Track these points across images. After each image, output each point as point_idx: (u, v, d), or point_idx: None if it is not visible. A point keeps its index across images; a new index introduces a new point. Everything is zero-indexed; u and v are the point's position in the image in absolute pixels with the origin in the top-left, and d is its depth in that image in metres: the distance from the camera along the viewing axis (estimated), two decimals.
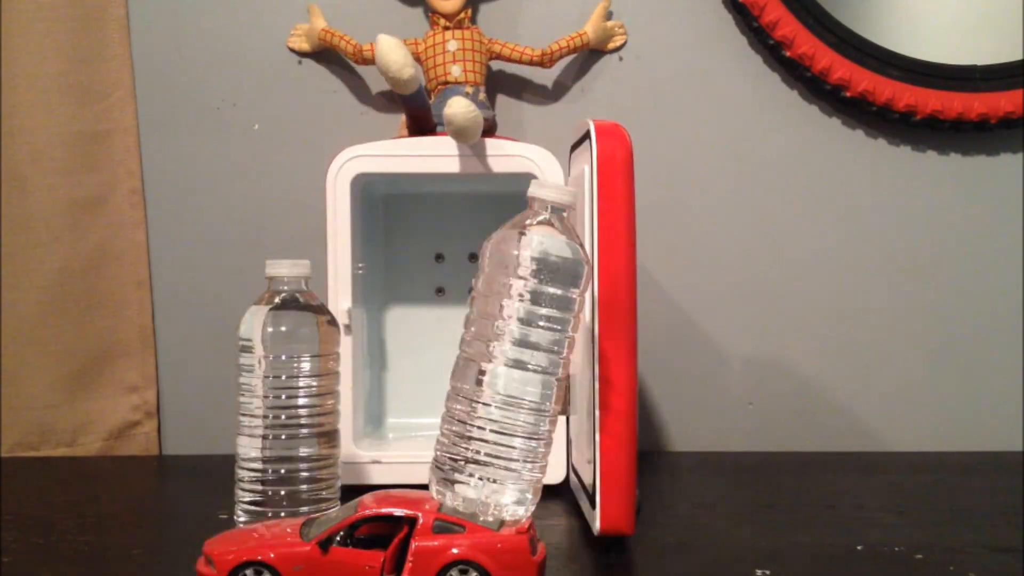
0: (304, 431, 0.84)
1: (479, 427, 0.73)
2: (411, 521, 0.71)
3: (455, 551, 0.69)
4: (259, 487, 0.84)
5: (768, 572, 0.78)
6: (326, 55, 1.24)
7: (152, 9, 1.24)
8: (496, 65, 1.21)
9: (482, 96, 1.15)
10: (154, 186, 1.25)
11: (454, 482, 0.73)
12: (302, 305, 0.86)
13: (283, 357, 0.84)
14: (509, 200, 1.14)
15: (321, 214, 1.01)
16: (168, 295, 1.25)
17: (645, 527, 0.91)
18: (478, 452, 0.73)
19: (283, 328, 0.84)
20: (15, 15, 1.19)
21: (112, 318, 1.24)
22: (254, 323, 0.85)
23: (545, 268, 0.73)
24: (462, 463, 0.73)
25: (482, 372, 0.74)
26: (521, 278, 0.73)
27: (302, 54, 1.23)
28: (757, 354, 1.24)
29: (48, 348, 1.21)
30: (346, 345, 1.01)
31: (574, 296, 0.75)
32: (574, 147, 0.97)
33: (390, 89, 1.24)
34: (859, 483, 1.07)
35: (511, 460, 0.73)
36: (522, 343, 0.73)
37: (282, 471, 0.84)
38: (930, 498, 1.01)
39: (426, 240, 1.16)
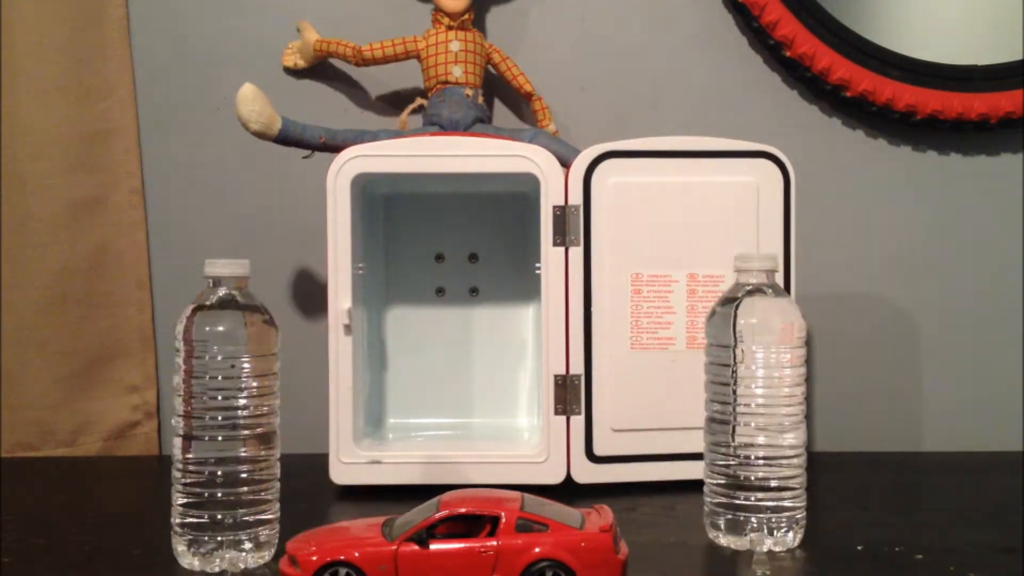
0: (242, 432, 0.81)
1: None
2: (494, 520, 0.70)
3: (538, 550, 0.69)
4: (195, 489, 0.81)
5: (769, 572, 0.78)
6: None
7: (152, 9, 1.24)
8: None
9: (480, 99, 1.15)
10: (154, 186, 1.25)
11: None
12: (237, 305, 0.83)
13: (215, 357, 0.81)
14: (509, 200, 1.14)
15: (321, 214, 1.01)
16: (168, 295, 1.25)
17: (646, 527, 0.91)
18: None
19: (208, 328, 0.82)
20: (15, 15, 1.19)
21: (112, 318, 1.23)
22: (200, 323, 0.83)
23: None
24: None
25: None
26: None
27: (298, 72, 1.23)
28: None
29: (48, 348, 1.21)
30: (346, 345, 1.01)
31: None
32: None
33: (389, 89, 1.24)
34: (859, 483, 1.07)
35: None
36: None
37: (218, 473, 0.80)
38: (930, 498, 1.01)
39: (426, 240, 1.16)
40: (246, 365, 0.82)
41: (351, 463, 1.01)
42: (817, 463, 1.15)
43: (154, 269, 1.25)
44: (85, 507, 1.00)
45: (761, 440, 0.82)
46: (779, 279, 0.87)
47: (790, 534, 0.82)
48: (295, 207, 1.22)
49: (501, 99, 1.24)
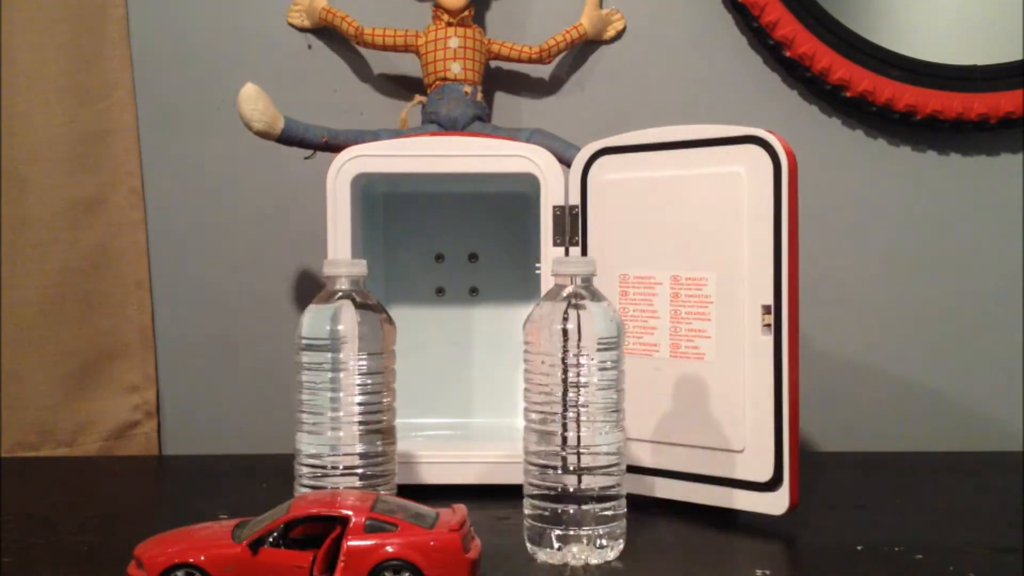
0: (365, 427, 0.86)
1: None
2: (344, 521, 0.71)
3: (388, 549, 0.69)
4: (319, 483, 0.85)
5: (768, 572, 0.78)
6: (326, 53, 1.24)
7: (152, 9, 1.24)
8: (494, 61, 1.21)
9: (479, 96, 1.15)
10: (154, 186, 1.25)
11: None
12: (364, 304, 0.87)
13: (359, 355, 0.86)
14: (509, 200, 1.14)
15: (321, 214, 1.01)
16: (168, 295, 1.25)
17: (646, 527, 0.91)
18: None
19: (355, 326, 0.86)
20: (15, 15, 1.19)
21: (112, 318, 1.23)
22: (319, 321, 0.86)
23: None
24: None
25: None
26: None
27: (302, 29, 1.23)
28: None
29: (48, 348, 1.21)
30: None
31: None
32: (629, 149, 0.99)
33: (389, 89, 1.24)
34: (859, 483, 1.07)
35: None
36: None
37: (341, 467, 0.85)
38: (930, 498, 1.01)
39: (426, 240, 1.16)
40: (373, 362, 0.87)
41: None
42: (817, 463, 1.16)
43: (154, 269, 1.25)
44: (85, 507, 1.00)
45: (580, 450, 0.80)
46: (597, 283, 0.83)
47: (610, 546, 0.80)
48: (295, 207, 1.22)
49: (500, 96, 1.24)
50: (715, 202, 0.92)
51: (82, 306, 1.22)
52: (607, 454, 0.81)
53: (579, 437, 0.80)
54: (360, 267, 0.89)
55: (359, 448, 0.86)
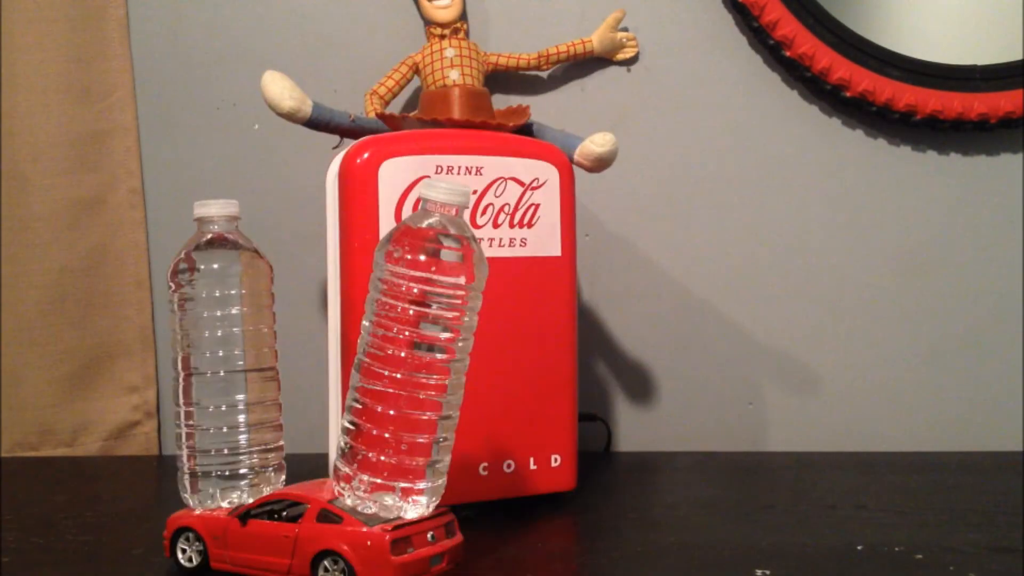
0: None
1: (363, 424, 0.74)
2: (305, 507, 0.75)
3: (324, 541, 0.72)
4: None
5: (768, 572, 0.78)
6: (326, 53, 1.24)
7: (152, 9, 1.24)
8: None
9: None
10: (154, 186, 1.25)
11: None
12: (229, 244, 0.83)
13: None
14: None
15: (321, 214, 1.01)
16: (168, 295, 1.25)
17: (646, 527, 0.91)
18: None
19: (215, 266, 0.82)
20: (15, 15, 1.19)
21: (112, 318, 1.24)
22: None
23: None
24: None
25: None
26: (393, 279, 0.73)
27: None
28: (757, 354, 1.24)
29: (48, 348, 1.21)
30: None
31: (455, 300, 0.74)
32: None
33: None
34: (859, 483, 1.07)
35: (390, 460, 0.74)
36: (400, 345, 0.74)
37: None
38: (930, 498, 1.01)
39: None
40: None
41: None
42: (817, 463, 1.16)
43: (154, 269, 1.25)
44: (85, 507, 1.00)
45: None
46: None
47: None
48: (295, 207, 1.22)
49: (501, 96, 1.24)
50: None
51: (82, 306, 1.22)
52: None
53: None
54: (231, 207, 0.84)
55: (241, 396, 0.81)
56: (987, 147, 1.23)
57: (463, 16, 1.16)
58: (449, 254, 0.73)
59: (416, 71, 1.16)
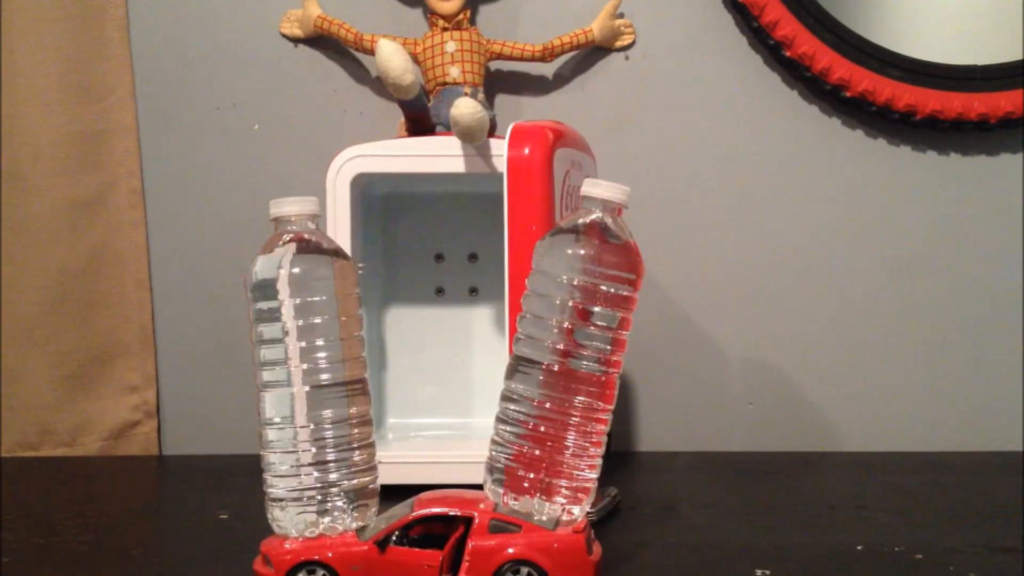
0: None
1: (534, 428, 0.73)
2: (467, 521, 0.71)
3: (511, 551, 0.69)
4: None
5: (768, 572, 0.78)
6: (326, 53, 1.24)
7: (152, 9, 1.24)
8: (495, 63, 1.21)
9: (481, 96, 1.15)
10: (154, 186, 1.25)
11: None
12: (314, 247, 0.75)
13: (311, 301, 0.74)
14: None
15: (321, 214, 1.01)
16: (168, 295, 1.25)
17: (646, 527, 0.91)
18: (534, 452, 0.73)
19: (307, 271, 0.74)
20: (15, 15, 1.19)
21: (112, 318, 1.24)
22: (268, 268, 0.74)
23: (595, 266, 0.73)
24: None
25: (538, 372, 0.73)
26: (575, 279, 0.73)
27: (295, 40, 1.23)
28: (757, 354, 1.24)
29: (48, 348, 1.21)
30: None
31: (626, 294, 0.74)
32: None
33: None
34: (859, 483, 1.07)
35: (564, 461, 0.73)
36: (575, 343, 0.73)
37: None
38: (930, 498, 1.01)
39: (426, 240, 1.16)
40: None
41: None
42: (817, 463, 1.16)
43: (154, 269, 1.25)
44: (85, 507, 1.00)
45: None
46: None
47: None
48: None
49: (501, 96, 1.24)
50: None
51: (82, 306, 1.22)
52: None
53: None
54: (311, 204, 0.75)
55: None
56: (987, 147, 1.23)
57: (466, 4, 1.16)
58: (617, 250, 0.74)
59: (414, 60, 1.16)
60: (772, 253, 1.23)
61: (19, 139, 1.20)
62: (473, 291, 1.17)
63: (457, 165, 1.02)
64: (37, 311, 1.21)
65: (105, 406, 1.24)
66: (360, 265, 1.05)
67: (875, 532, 0.88)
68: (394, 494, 0.97)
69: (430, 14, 1.16)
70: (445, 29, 1.14)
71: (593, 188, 0.75)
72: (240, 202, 1.24)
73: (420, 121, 1.08)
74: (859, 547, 0.84)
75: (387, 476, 1.00)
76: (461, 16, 1.15)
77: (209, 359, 1.25)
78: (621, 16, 1.22)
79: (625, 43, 1.22)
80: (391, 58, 0.99)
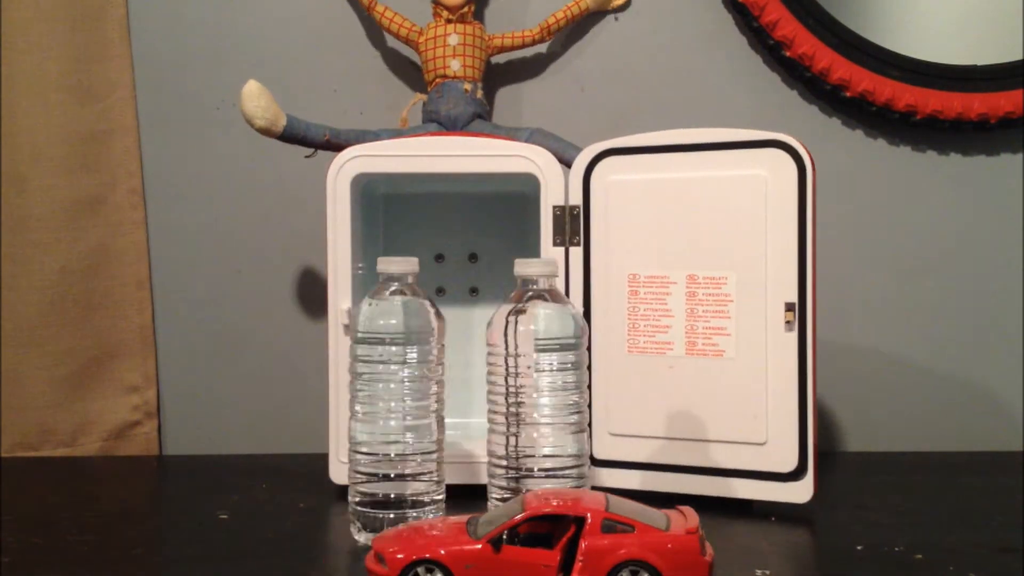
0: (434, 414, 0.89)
1: None
2: (579, 520, 0.70)
3: (625, 551, 0.69)
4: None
5: (768, 572, 0.78)
6: (326, 53, 1.24)
7: (152, 9, 1.24)
8: (495, 57, 1.21)
9: (480, 93, 1.15)
10: (154, 186, 1.25)
11: None
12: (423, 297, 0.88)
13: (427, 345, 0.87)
14: (509, 200, 1.14)
15: (321, 214, 1.01)
16: (168, 295, 1.25)
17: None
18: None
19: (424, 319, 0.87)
20: (15, 15, 1.19)
21: (112, 318, 1.24)
22: (406, 315, 0.87)
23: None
24: None
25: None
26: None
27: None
28: None
29: (48, 348, 1.21)
30: (346, 345, 1.01)
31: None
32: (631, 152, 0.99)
33: (389, 88, 1.24)
34: (860, 483, 1.07)
35: None
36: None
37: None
38: (930, 498, 1.01)
39: (426, 240, 1.16)
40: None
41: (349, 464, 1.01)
42: (817, 463, 1.16)
43: (154, 269, 1.25)
44: (85, 507, 1.00)
45: (520, 451, 0.84)
46: (559, 284, 0.88)
47: None
48: (295, 207, 1.22)
49: (501, 95, 1.24)
50: (736, 204, 0.94)
51: (82, 306, 1.22)
52: (561, 456, 0.83)
53: (517, 439, 0.84)
54: (412, 265, 0.87)
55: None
56: (987, 147, 1.23)
57: None
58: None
59: (415, 48, 1.16)
60: None
61: (19, 139, 1.20)
62: (473, 291, 1.17)
63: (457, 165, 1.02)
64: (37, 311, 1.21)
65: (105, 406, 1.24)
66: (360, 265, 1.05)
67: (875, 532, 0.88)
68: None
69: (434, 3, 1.15)
70: (449, 21, 1.14)
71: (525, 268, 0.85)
72: (240, 202, 1.24)
73: (312, 144, 1.10)
74: (859, 547, 0.84)
75: None
76: (466, 9, 1.15)
77: (209, 359, 1.25)
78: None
79: (618, 3, 1.22)
80: (242, 103, 1.06)
